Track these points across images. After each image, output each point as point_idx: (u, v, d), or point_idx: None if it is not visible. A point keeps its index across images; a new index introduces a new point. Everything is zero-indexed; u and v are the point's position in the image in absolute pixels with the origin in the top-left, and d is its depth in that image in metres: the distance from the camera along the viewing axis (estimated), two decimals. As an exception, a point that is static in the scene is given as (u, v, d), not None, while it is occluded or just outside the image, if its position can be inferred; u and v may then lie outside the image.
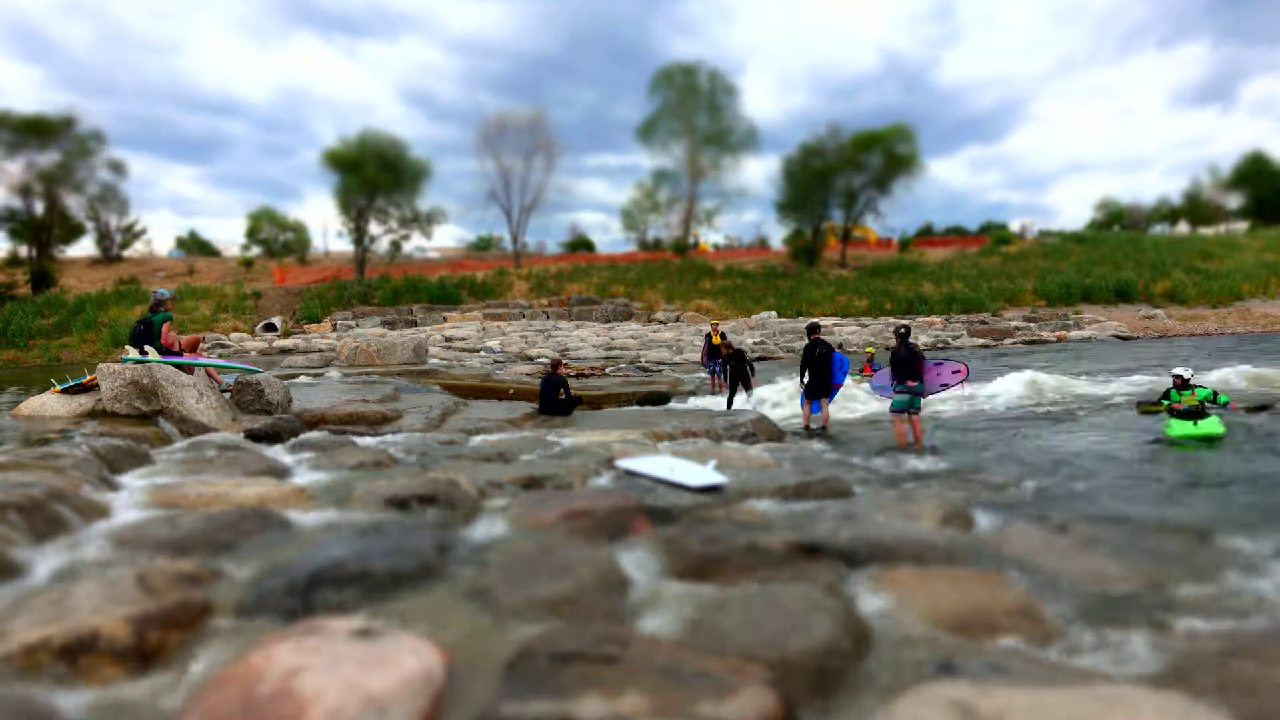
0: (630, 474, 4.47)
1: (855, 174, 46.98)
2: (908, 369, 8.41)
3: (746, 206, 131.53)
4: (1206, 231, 58.36)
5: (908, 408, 8.36)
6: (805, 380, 9.48)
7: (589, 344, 26.39)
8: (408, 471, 4.45)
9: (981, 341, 29.00)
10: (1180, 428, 8.46)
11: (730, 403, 10.93)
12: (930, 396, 9.25)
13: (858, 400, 11.65)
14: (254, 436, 6.24)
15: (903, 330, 8.77)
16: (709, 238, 58.89)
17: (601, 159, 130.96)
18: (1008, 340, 29.34)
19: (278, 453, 5.43)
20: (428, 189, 51.10)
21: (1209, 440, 8.14)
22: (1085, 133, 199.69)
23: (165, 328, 7.68)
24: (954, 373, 9.33)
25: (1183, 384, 8.78)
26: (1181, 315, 34.76)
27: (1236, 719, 1.68)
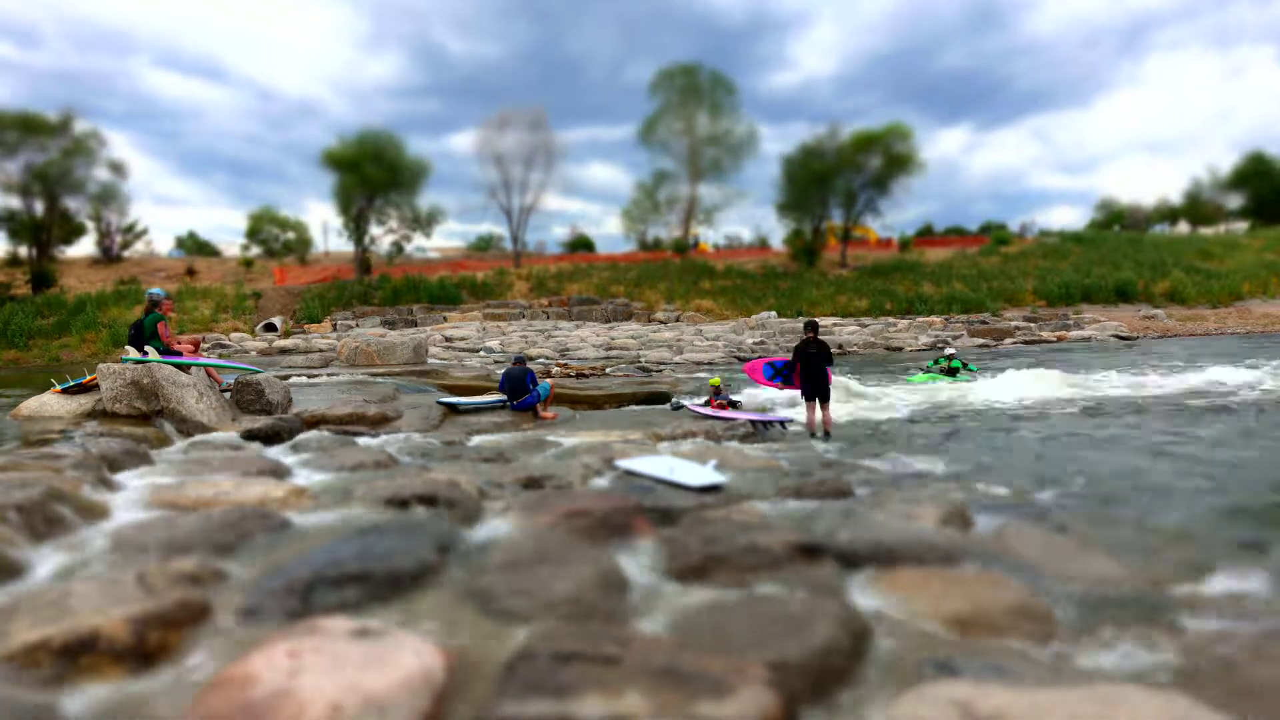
0: (630, 474, 4.47)
1: (854, 174, 47.00)
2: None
3: (763, 200, 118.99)
4: (1206, 231, 58.34)
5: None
6: (800, 381, 9.30)
7: (589, 344, 26.40)
8: (408, 472, 4.45)
9: (981, 341, 29.00)
10: (920, 378, 14.07)
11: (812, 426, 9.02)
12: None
13: (864, 399, 11.66)
14: (254, 437, 6.24)
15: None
16: (709, 238, 58.89)
17: (609, 133, 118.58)
18: (1008, 340, 29.33)
19: (277, 453, 5.43)
20: (426, 186, 50.80)
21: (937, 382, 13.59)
22: (1178, 98, 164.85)
23: (160, 326, 7.69)
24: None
25: (950, 357, 14.54)
26: (1181, 315, 34.76)
27: (1237, 719, 1.68)
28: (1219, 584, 2.73)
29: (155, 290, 8.18)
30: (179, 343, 8.01)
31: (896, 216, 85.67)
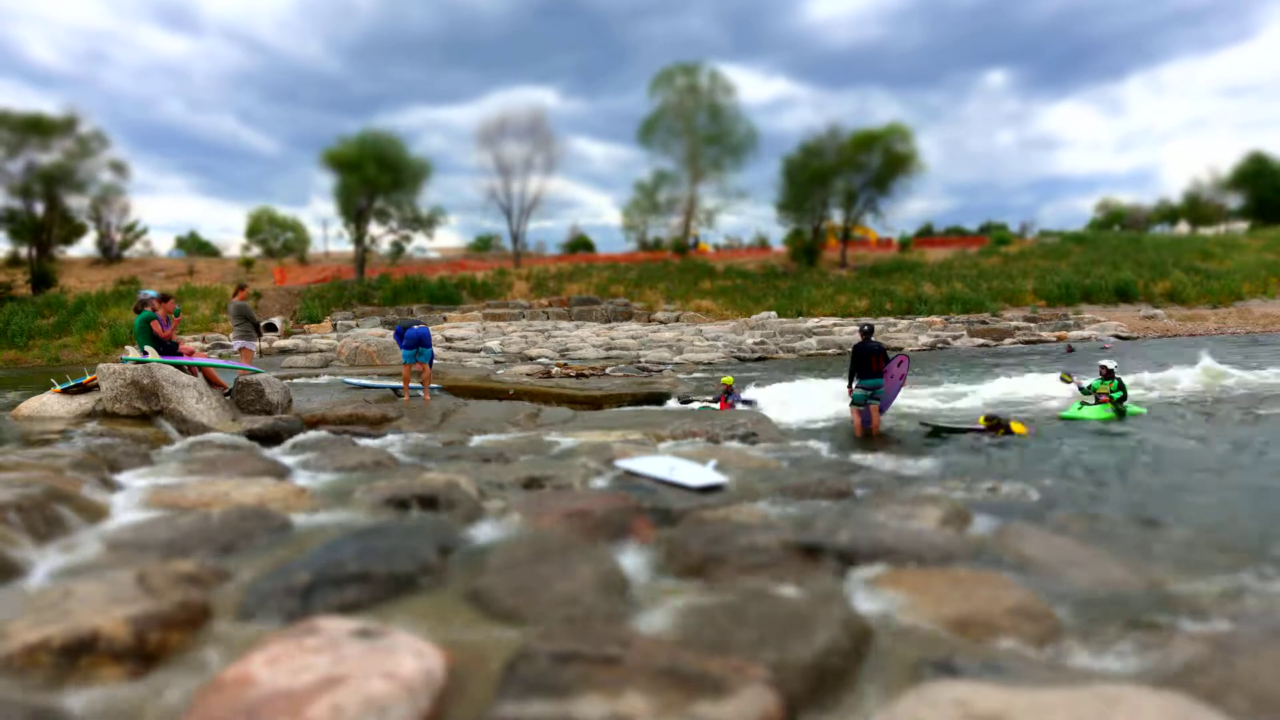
0: (630, 474, 4.47)
1: (854, 174, 46.98)
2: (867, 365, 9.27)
3: (765, 199, 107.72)
4: (1206, 231, 58.31)
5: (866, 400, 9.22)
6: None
7: (589, 344, 26.40)
8: (408, 472, 4.45)
9: (981, 341, 29.02)
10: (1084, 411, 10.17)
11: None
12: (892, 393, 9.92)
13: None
14: (254, 437, 6.24)
15: (866, 328, 9.52)
16: (709, 238, 58.86)
17: (610, 104, 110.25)
18: (1008, 340, 29.35)
19: (277, 453, 5.43)
20: (427, 183, 50.37)
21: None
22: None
23: (153, 324, 7.72)
24: (898, 364, 9.79)
25: (1106, 374, 10.45)
26: (1182, 315, 34.76)
27: (1236, 719, 1.68)
28: (1219, 584, 2.73)
29: (146, 291, 8.24)
30: (178, 340, 8.04)
31: (926, 206, 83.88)
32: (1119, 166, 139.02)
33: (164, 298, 8.34)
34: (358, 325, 32.70)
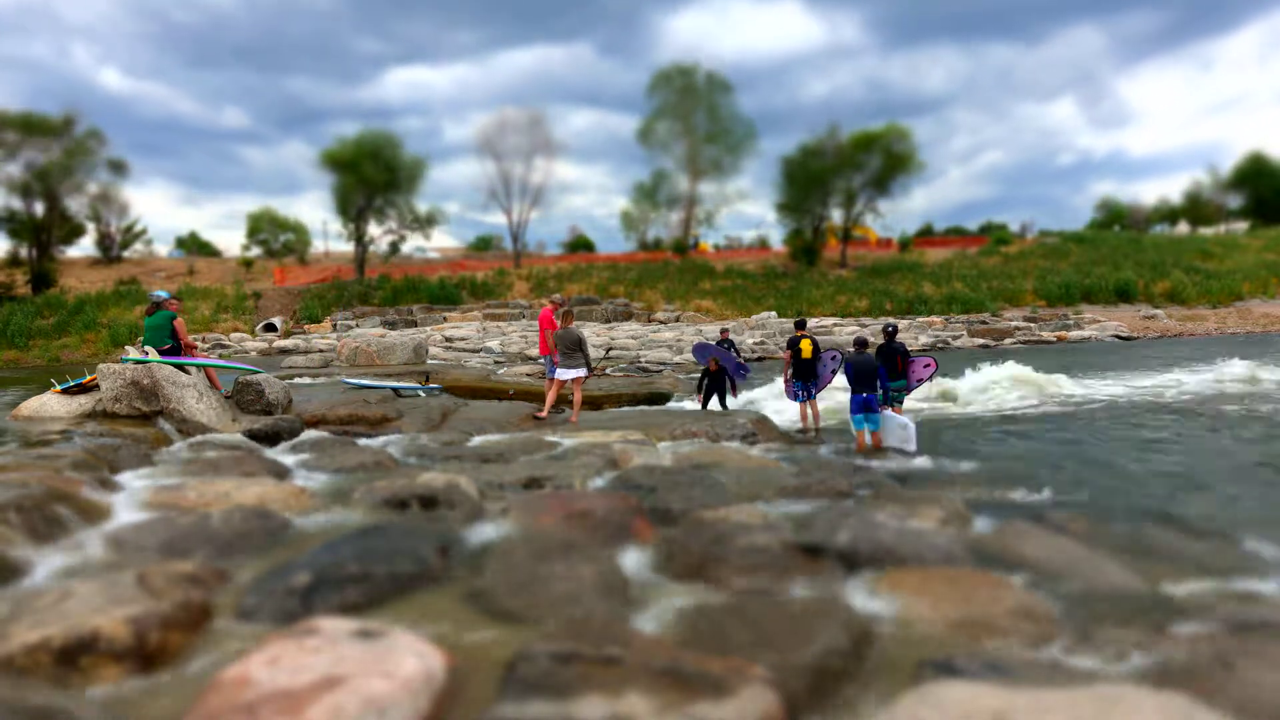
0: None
1: (854, 174, 46.98)
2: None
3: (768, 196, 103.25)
4: (1206, 231, 58.30)
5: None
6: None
7: (589, 344, 26.39)
8: (408, 472, 4.45)
9: (981, 342, 29.01)
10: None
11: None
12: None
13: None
14: (254, 437, 6.24)
15: (890, 329, 8.91)
16: (709, 238, 58.81)
17: (650, 67, 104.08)
18: (1008, 340, 29.33)
19: (278, 453, 5.43)
20: (426, 176, 49.83)
21: None
22: None
23: (177, 324, 7.75)
24: (925, 367, 9.16)
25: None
26: (1182, 315, 34.74)
27: (1236, 719, 1.68)
28: (1219, 584, 2.73)
29: (158, 293, 8.21)
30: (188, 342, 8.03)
31: (959, 194, 78.60)
32: (1191, 142, 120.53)
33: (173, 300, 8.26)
34: (358, 325, 32.69)
